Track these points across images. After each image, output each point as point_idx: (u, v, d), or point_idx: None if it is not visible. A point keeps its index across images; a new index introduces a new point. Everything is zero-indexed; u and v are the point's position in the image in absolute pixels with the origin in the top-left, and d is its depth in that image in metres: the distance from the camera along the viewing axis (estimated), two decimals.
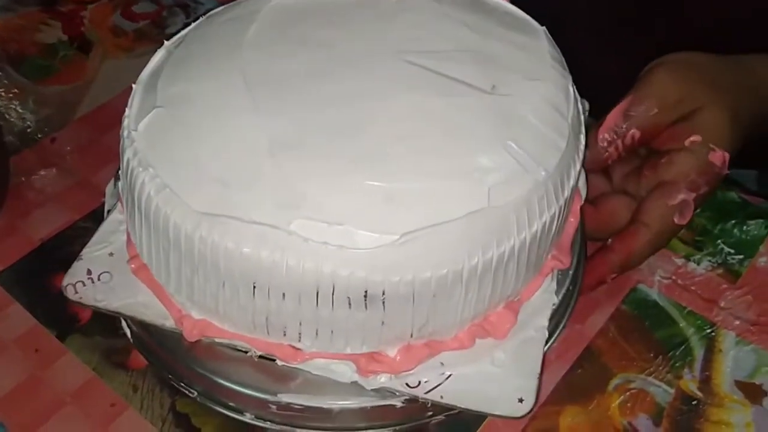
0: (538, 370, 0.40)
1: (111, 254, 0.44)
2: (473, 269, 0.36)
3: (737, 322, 0.50)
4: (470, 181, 0.37)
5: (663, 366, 0.48)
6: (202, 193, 0.37)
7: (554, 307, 0.43)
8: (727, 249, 0.54)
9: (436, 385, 0.39)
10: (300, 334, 0.38)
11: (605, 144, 0.49)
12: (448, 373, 0.39)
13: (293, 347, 0.39)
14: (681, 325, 0.50)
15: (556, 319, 0.44)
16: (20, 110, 0.62)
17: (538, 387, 0.39)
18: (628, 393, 0.47)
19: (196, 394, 0.43)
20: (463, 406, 0.39)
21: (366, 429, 0.42)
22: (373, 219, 0.35)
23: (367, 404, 0.40)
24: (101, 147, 0.59)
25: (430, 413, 0.42)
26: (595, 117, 0.50)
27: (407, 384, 0.39)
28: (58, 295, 0.49)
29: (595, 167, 0.50)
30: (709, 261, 0.53)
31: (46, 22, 0.69)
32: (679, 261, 0.53)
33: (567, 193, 0.40)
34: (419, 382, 0.39)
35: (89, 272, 0.43)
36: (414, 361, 0.39)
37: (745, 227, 0.55)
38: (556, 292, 0.44)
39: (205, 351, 0.42)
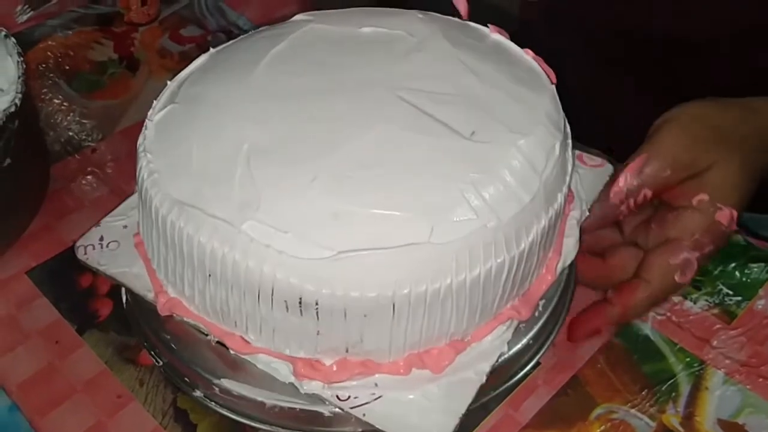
0: (463, 411, 0.41)
1: (125, 227, 0.49)
2: (404, 298, 0.38)
3: (727, 362, 0.51)
4: (417, 216, 0.38)
5: (647, 400, 0.49)
6: (180, 183, 0.41)
7: (504, 356, 0.44)
8: (725, 290, 0.54)
9: (364, 402, 0.41)
10: (247, 327, 0.41)
11: (618, 202, 0.50)
12: (379, 395, 0.41)
13: (243, 339, 0.42)
14: (670, 360, 0.51)
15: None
16: (67, 121, 0.67)
17: (456, 426, 0.40)
18: (609, 423, 0.48)
19: (161, 364, 0.48)
20: (379, 427, 0.40)
21: (293, 430, 0.45)
22: (316, 232, 0.38)
23: (297, 406, 0.43)
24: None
25: (358, 430, 0.44)
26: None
27: (338, 396, 0.41)
28: (82, 293, 0.54)
29: (606, 222, 0.51)
30: (706, 301, 0.54)
31: (99, 41, 0.75)
32: (676, 299, 0.54)
33: (523, 246, 0.40)
34: (349, 396, 0.41)
35: (101, 238, 0.48)
36: (348, 374, 0.41)
37: (746, 270, 0.55)
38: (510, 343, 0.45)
39: (175, 327, 0.46)
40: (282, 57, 0.47)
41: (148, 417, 0.48)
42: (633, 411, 0.48)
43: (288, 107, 0.43)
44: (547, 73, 0.48)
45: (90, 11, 0.78)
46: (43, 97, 0.69)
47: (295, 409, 0.44)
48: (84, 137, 0.66)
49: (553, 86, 0.47)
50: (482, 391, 0.42)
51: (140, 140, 0.44)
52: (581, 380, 0.50)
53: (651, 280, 0.49)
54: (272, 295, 0.39)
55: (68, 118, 0.68)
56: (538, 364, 0.49)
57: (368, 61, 0.47)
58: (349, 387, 0.42)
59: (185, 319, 0.44)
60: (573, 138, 0.47)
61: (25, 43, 0.73)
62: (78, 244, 0.48)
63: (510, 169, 0.41)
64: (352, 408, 0.41)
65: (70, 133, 0.66)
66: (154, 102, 0.46)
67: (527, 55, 0.49)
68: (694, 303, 0.54)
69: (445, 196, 0.40)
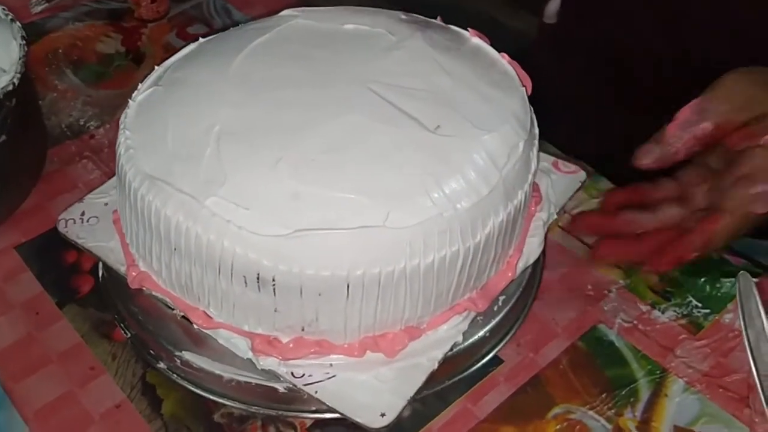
0: (412, 393, 0.42)
1: (105, 204, 0.51)
2: (358, 279, 0.40)
3: (689, 371, 0.51)
4: (374, 200, 0.40)
5: (606, 403, 0.50)
6: (153, 159, 0.43)
7: (459, 346, 0.46)
8: (695, 302, 0.55)
9: (317, 380, 0.43)
10: (209, 302, 0.43)
11: (674, 138, 0.51)
12: (333, 374, 0.43)
13: (206, 314, 0.43)
14: (632, 366, 0.52)
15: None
16: (70, 107, 0.69)
17: (403, 408, 0.41)
18: (566, 423, 0.49)
19: (129, 336, 0.50)
20: (330, 405, 0.42)
21: (248, 404, 0.46)
22: (276, 211, 0.40)
23: (253, 381, 0.45)
24: None
25: (312, 409, 0.46)
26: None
27: (293, 373, 0.43)
28: (66, 269, 0.55)
29: (663, 163, 0.52)
30: (675, 311, 0.55)
31: (108, 35, 0.77)
32: (645, 308, 0.55)
33: (479, 238, 0.42)
34: (303, 374, 0.43)
35: (83, 213, 0.51)
36: (303, 352, 0.43)
37: (717, 284, 0.56)
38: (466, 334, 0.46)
39: (144, 302, 0.48)
40: (263, 48, 0.49)
41: (117, 390, 0.49)
42: (591, 413, 0.49)
43: (262, 94, 0.45)
44: (521, 78, 0.49)
45: (102, 6, 0.80)
46: (49, 84, 0.71)
47: (251, 383, 0.45)
48: (85, 123, 0.68)
49: (524, 89, 0.48)
50: (435, 378, 0.43)
51: (122, 118, 0.46)
52: (542, 380, 0.51)
53: (732, 210, 0.50)
54: (232, 269, 0.40)
55: (71, 104, 0.70)
56: (497, 359, 0.50)
57: (346, 56, 0.48)
58: (304, 365, 0.43)
59: (153, 292, 0.45)
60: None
61: (37, 32, 0.76)
62: (60, 217, 0.50)
63: (471, 163, 0.42)
64: (305, 385, 0.42)
65: (71, 119, 0.68)
66: (140, 84, 0.48)
67: (503, 59, 0.50)
68: (662, 313, 0.54)
69: (405, 183, 0.41)
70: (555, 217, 0.50)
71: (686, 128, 0.51)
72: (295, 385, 0.42)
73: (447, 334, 0.44)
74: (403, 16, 0.52)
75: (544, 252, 0.51)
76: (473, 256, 0.42)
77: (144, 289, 0.46)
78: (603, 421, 0.49)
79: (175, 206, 0.41)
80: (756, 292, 0.50)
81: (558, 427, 0.48)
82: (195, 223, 0.40)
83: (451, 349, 0.44)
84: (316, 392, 0.42)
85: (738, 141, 0.51)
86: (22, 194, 0.60)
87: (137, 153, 0.43)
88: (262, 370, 0.43)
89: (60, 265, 0.56)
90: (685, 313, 0.54)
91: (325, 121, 0.44)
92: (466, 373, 0.48)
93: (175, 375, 0.48)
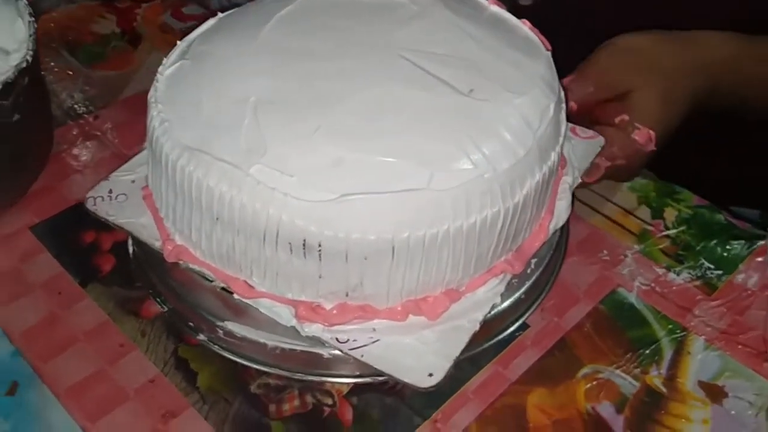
0: (456, 355, 0.43)
1: (132, 181, 0.51)
2: (404, 242, 0.40)
3: (708, 329, 0.53)
4: (416, 164, 0.41)
5: (632, 362, 0.51)
6: (190, 131, 0.43)
7: (496, 308, 0.46)
8: (707, 264, 0.57)
9: (362, 345, 0.43)
10: (251, 271, 0.43)
11: None
12: (377, 339, 0.43)
13: (247, 284, 0.44)
14: (654, 327, 0.53)
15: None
16: (70, 89, 0.68)
17: (449, 369, 0.42)
18: (595, 382, 0.50)
19: (167, 309, 0.50)
20: (377, 368, 0.42)
21: (291, 371, 0.47)
22: (320, 177, 0.40)
23: (298, 347, 0.45)
24: (138, 126, 0.64)
25: (357, 374, 0.47)
26: None
27: (337, 338, 0.43)
28: (85, 248, 0.55)
29: None
30: (689, 273, 0.56)
31: (102, 15, 0.76)
32: (660, 270, 0.56)
33: (518, 198, 0.43)
34: (348, 339, 0.43)
35: (110, 191, 0.50)
36: (347, 317, 0.43)
37: (727, 246, 0.58)
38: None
39: (181, 275, 0.48)
40: (289, 19, 0.49)
41: (149, 365, 0.49)
42: (618, 371, 0.50)
43: (293, 64, 0.45)
44: (543, 42, 0.50)
45: None
46: (45, 65, 0.70)
47: (296, 350, 0.45)
48: (86, 105, 0.67)
49: (549, 53, 0.49)
50: (474, 340, 0.44)
51: (151, 93, 0.46)
52: (568, 343, 0.52)
53: None
54: (277, 237, 0.40)
55: (71, 85, 0.69)
56: (524, 324, 0.51)
57: (372, 26, 0.49)
58: (348, 330, 0.43)
59: (191, 265, 0.45)
60: None
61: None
62: (88, 195, 0.49)
63: (506, 125, 0.43)
64: (351, 350, 0.43)
65: (72, 102, 0.67)
66: (164, 59, 0.48)
67: (524, 26, 0.51)
68: (677, 275, 0.56)
69: (445, 147, 0.42)
70: (579, 180, 0.51)
71: None
72: (341, 350, 0.43)
73: (485, 297, 0.45)
74: None
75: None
76: (512, 217, 0.43)
77: (181, 262, 0.45)
78: (630, 379, 0.50)
79: (218, 176, 0.41)
80: None
81: (588, 386, 0.50)
82: (239, 192, 0.40)
83: (490, 311, 0.45)
84: (362, 356, 0.42)
85: (598, 118, 0.56)
86: (33, 175, 0.59)
87: (173, 126, 0.43)
88: (306, 336, 0.43)
89: (78, 244, 0.56)
90: (699, 275, 0.56)
91: (360, 89, 0.44)
92: (500, 337, 0.49)
93: (216, 346, 0.48)
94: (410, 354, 0.43)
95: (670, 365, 0.51)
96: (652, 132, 0.55)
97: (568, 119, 0.52)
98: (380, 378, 0.44)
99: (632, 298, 0.55)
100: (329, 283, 0.42)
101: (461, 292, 0.45)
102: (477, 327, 0.44)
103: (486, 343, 0.49)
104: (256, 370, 0.48)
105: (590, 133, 0.54)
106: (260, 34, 0.48)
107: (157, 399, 0.48)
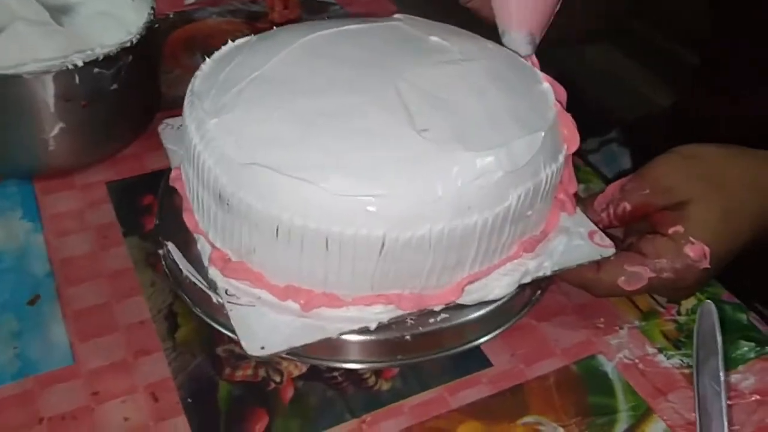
0: (297, 345, 0.47)
1: None
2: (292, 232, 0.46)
3: (675, 416, 0.51)
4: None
5: (579, 426, 0.50)
6: (247, 148, 0.47)
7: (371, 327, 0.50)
8: None
9: (239, 303, 0.49)
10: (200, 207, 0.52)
11: (600, 209, 0.56)
12: (254, 305, 0.49)
13: (197, 223, 0.52)
14: (618, 398, 0.52)
15: None
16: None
17: (278, 353, 0.47)
18: None
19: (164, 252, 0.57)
20: (232, 325, 0.48)
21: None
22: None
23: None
24: None
25: (436, 350, 0.52)
26: None
27: (227, 290, 0.50)
28: (140, 208, 0.63)
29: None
30: (681, 360, 0.54)
31: (243, 31, 0.87)
32: (651, 350, 0.55)
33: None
34: (234, 294, 0.49)
35: (180, 126, 0.55)
36: (239, 275, 0.50)
37: (734, 346, 0.55)
38: None
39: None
40: (318, 42, 0.54)
41: (145, 310, 0.56)
42: (560, 430, 0.50)
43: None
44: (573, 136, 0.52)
45: (244, 7, 0.90)
46: (181, 62, 0.81)
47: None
48: None
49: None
50: (416, 349, 0.50)
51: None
52: (524, 389, 0.52)
53: (605, 272, 0.53)
54: (211, 188, 0.49)
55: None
56: (487, 362, 0.53)
57: (389, 59, 0.53)
58: (239, 288, 0.50)
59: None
60: None
61: (184, 19, 0.88)
62: (165, 122, 0.62)
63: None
64: (228, 302, 0.49)
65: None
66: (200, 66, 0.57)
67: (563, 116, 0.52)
68: (668, 359, 0.54)
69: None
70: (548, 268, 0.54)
71: (610, 203, 0.56)
72: (221, 299, 0.49)
73: (365, 315, 0.49)
74: (491, 45, 0.55)
75: None
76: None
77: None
78: None
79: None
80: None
81: None
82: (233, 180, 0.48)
83: (366, 330, 0.49)
84: (231, 311, 0.48)
85: (654, 225, 0.54)
86: (124, 141, 0.69)
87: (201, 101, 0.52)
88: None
89: (137, 204, 0.64)
90: (691, 363, 0.54)
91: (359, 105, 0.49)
92: (450, 352, 0.52)
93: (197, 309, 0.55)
94: (265, 327, 0.47)
95: None
96: (706, 248, 0.51)
97: (619, 218, 0.56)
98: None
99: (609, 366, 0.54)
100: (234, 240, 0.49)
101: (343, 302, 0.48)
102: (335, 335, 0.48)
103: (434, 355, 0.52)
104: (228, 336, 0.53)
105: (607, 242, 0.54)
106: (304, 51, 0.54)
107: (138, 338, 0.54)
